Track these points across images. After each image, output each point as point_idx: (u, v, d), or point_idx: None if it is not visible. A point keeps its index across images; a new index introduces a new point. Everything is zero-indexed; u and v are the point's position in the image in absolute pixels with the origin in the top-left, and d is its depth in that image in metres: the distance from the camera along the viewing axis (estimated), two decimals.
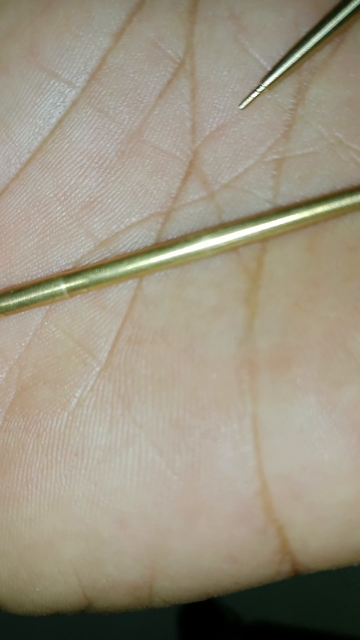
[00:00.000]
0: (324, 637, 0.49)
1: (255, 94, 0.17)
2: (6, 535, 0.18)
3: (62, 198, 0.18)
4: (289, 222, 0.16)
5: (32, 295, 0.18)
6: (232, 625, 0.50)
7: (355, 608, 0.53)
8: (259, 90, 0.17)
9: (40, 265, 0.18)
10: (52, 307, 0.18)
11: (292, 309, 0.16)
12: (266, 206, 0.17)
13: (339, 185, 0.17)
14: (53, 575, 0.18)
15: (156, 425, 0.17)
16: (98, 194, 0.18)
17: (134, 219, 0.18)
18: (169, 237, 0.18)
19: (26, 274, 0.18)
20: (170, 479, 0.16)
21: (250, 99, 0.17)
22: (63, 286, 0.18)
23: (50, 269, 0.18)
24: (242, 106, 0.18)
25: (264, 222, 0.17)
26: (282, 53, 0.17)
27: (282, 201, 0.17)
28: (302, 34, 0.17)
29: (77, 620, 0.51)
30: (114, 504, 0.17)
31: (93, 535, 0.17)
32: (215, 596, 0.18)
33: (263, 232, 0.17)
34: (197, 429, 0.16)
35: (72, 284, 0.18)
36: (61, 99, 0.18)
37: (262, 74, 0.17)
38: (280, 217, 0.17)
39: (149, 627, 0.51)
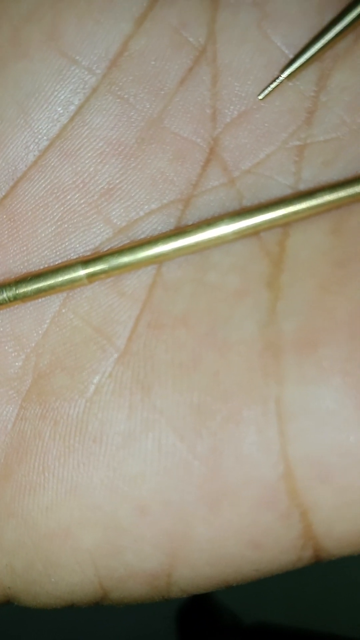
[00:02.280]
0: (324, 639, 0.49)
1: (274, 84, 0.17)
2: (22, 525, 0.17)
3: (81, 185, 0.18)
4: (313, 205, 0.16)
5: (51, 281, 0.18)
6: (231, 627, 0.49)
7: (355, 609, 0.53)
8: (278, 80, 0.17)
9: (57, 253, 0.18)
10: (70, 294, 0.18)
11: (318, 291, 0.16)
12: (288, 192, 0.17)
13: None
14: (69, 565, 0.17)
15: (177, 410, 0.17)
16: (117, 181, 0.18)
17: (153, 206, 0.18)
18: (189, 224, 0.18)
19: (44, 262, 0.18)
20: (191, 464, 0.16)
21: (269, 88, 0.17)
22: (82, 272, 0.18)
23: (68, 257, 0.18)
24: (261, 96, 0.18)
25: (287, 206, 0.17)
26: (306, 40, 0.17)
27: (304, 187, 0.17)
28: (326, 21, 0.17)
29: (73, 622, 0.50)
30: (133, 490, 0.17)
31: (112, 523, 0.17)
32: (235, 585, 0.18)
33: (286, 216, 0.17)
34: (219, 413, 0.16)
35: (92, 269, 0.18)
36: (81, 86, 0.18)
37: (285, 61, 0.17)
38: (303, 201, 0.17)
39: (147, 628, 0.51)
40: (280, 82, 0.17)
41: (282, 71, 0.17)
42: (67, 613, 0.20)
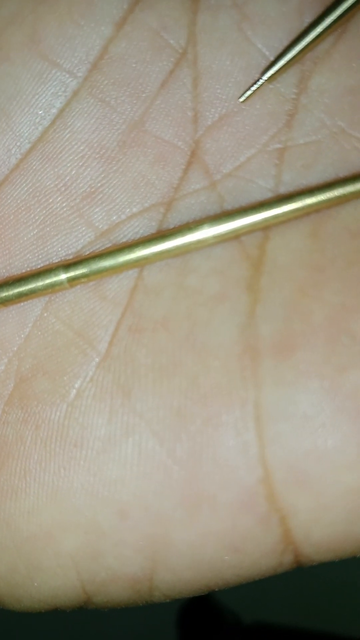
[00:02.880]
0: (324, 638, 0.49)
1: (255, 87, 0.17)
2: (4, 529, 0.18)
3: (63, 188, 0.18)
4: (292, 209, 0.16)
5: (32, 285, 0.18)
6: (232, 626, 0.49)
7: (355, 608, 0.53)
8: (259, 82, 0.17)
9: (40, 256, 0.18)
10: (52, 298, 0.18)
11: (296, 295, 0.16)
12: (268, 195, 0.17)
13: (342, 174, 0.17)
14: (52, 568, 0.17)
15: (156, 414, 0.17)
16: (99, 184, 0.18)
17: (135, 209, 0.18)
18: (171, 227, 0.18)
19: (26, 265, 0.18)
20: (171, 468, 0.16)
21: (250, 91, 0.17)
22: (63, 276, 0.18)
23: (50, 260, 0.18)
24: (242, 99, 0.17)
25: (266, 210, 0.17)
26: (286, 42, 0.17)
27: (284, 190, 0.17)
28: (306, 23, 0.17)
29: (74, 623, 0.50)
30: (113, 494, 0.17)
31: (93, 527, 0.17)
32: (217, 589, 0.18)
33: (266, 220, 0.16)
34: (198, 417, 0.16)
35: (73, 273, 0.18)
36: (62, 89, 0.18)
37: (265, 63, 0.17)
38: (283, 205, 0.16)
39: (148, 628, 0.51)
40: (261, 85, 0.17)
41: (263, 73, 0.17)
42: (67, 612, 0.20)
